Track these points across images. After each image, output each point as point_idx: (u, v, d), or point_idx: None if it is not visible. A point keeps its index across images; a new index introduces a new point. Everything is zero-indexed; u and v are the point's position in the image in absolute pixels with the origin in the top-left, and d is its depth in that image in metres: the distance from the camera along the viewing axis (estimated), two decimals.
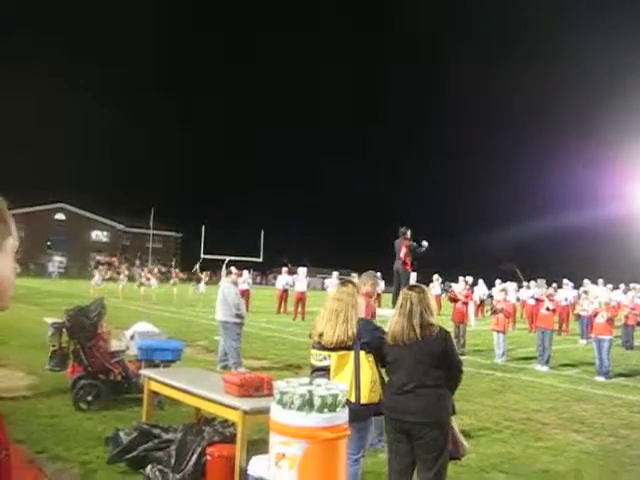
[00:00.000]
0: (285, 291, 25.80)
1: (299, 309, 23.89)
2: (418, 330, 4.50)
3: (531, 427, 8.54)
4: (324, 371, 4.77)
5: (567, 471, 6.66)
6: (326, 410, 3.82)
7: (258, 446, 5.12)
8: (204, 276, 31.08)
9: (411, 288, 4.80)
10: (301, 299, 24.17)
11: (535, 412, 9.48)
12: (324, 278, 29.83)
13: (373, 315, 7.74)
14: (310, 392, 3.84)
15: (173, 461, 5.00)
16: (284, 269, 27.55)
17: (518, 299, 24.66)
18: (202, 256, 39.93)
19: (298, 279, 25.19)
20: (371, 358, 4.80)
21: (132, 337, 9.34)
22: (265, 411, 4.67)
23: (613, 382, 12.63)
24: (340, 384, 4.24)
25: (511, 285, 23.77)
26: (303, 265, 30.32)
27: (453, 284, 20.41)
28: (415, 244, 12.59)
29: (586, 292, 19.72)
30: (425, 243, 12.66)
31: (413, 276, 15.51)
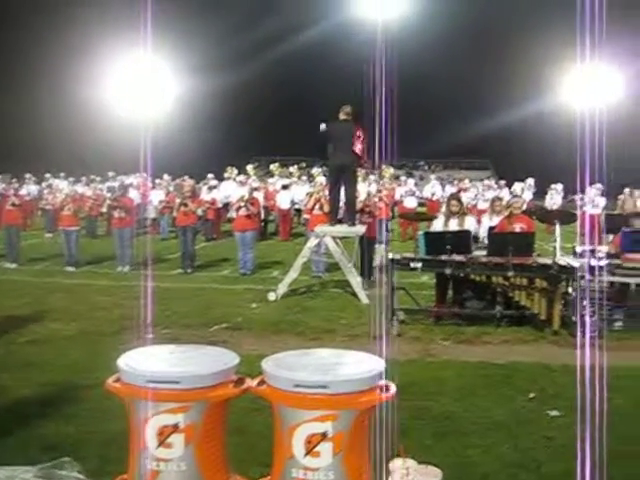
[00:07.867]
0: None
1: None
2: None
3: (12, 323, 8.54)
4: None
5: (54, 357, 6.95)
6: None
7: None
8: None
9: None
10: None
11: (14, 308, 9.49)
12: None
13: None
14: None
15: None
16: None
17: None
18: None
19: None
20: None
21: None
22: None
23: (82, 270, 13.37)
24: None
25: None
26: None
27: None
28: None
29: (50, 186, 19.98)
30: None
31: None
